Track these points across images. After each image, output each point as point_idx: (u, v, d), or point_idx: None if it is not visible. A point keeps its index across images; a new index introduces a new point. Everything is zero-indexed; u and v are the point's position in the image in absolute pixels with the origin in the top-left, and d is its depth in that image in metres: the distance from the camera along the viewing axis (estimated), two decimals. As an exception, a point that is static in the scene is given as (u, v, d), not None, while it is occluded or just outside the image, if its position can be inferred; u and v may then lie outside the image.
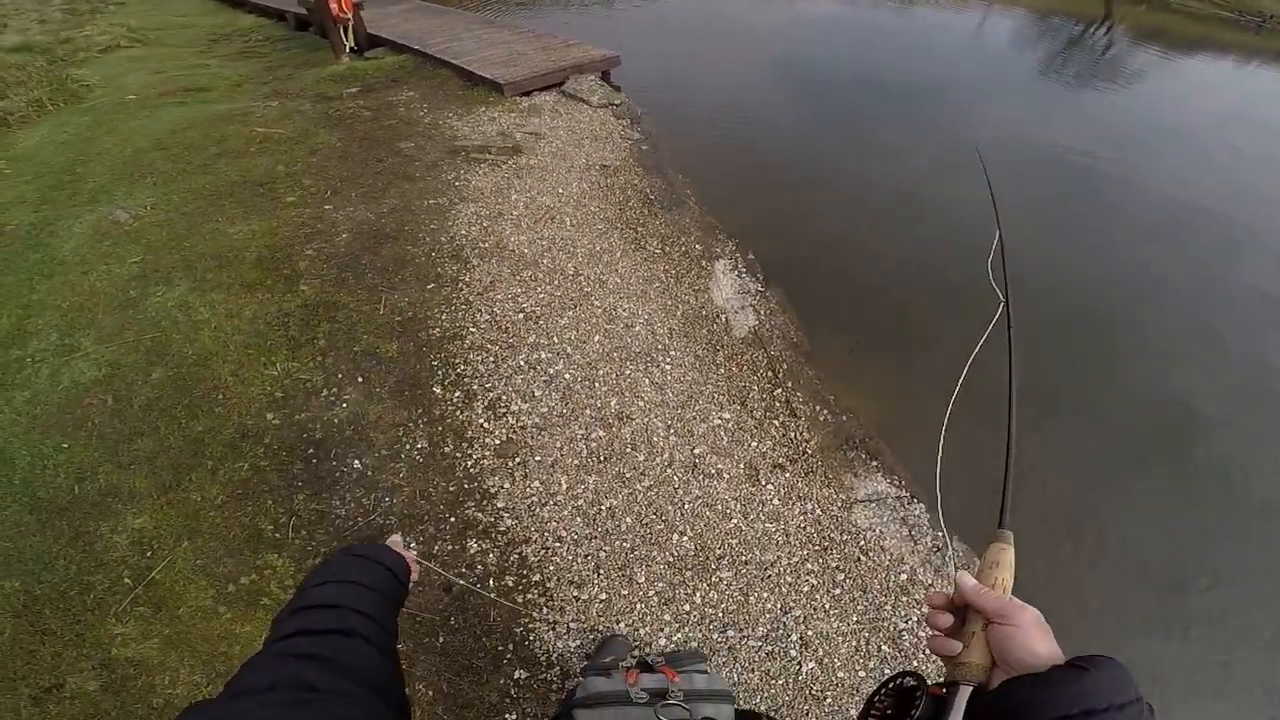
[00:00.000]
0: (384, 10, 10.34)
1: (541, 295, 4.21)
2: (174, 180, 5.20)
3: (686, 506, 2.99)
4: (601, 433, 3.28)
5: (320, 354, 3.53)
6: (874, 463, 3.34)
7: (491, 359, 3.57)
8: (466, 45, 8.23)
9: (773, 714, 2.36)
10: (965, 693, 0.58)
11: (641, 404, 3.47)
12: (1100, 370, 4.27)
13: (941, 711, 0.58)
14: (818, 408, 3.61)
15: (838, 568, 2.83)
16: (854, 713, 2.42)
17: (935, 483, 2.76)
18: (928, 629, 0.71)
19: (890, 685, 0.66)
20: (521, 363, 3.59)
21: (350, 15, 8.14)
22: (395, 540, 1.17)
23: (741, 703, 2.36)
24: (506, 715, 2.31)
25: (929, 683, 0.62)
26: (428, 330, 3.71)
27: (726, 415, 3.48)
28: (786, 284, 4.63)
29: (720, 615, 2.61)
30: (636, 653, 2.46)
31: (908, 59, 11.95)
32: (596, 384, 3.56)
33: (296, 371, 3.43)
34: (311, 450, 3.06)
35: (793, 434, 3.41)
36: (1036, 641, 0.57)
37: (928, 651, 2.54)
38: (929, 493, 3.19)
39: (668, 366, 3.79)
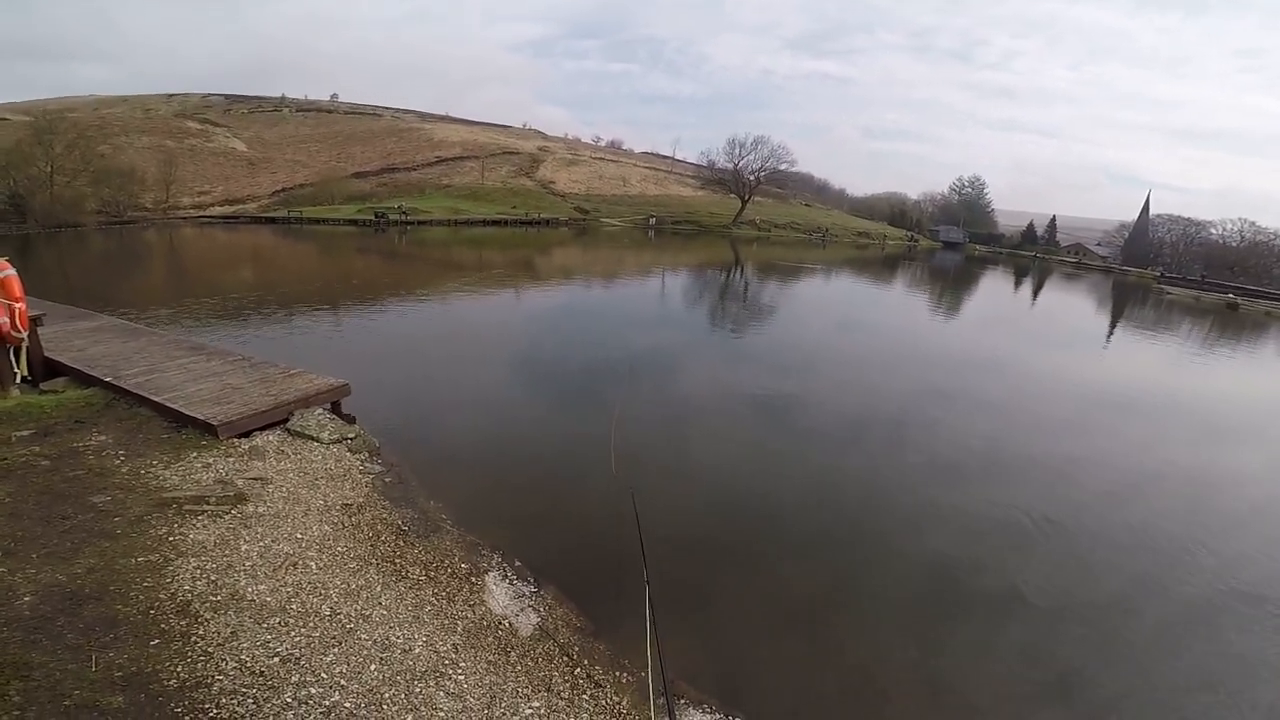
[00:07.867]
0: (68, 328, 8.62)
1: (296, 638, 3.74)
2: None
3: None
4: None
5: (16, 709, 2.75)
6: (681, 700, 3.52)
7: (251, 700, 2.95)
8: (170, 378, 6.92)
9: None
10: None
11: (442, 714, 3.22)
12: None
13: None
14: (618, 673, 3.75)
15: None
16: None
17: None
18: None
19: None
20: (289, 699, 3.04)
21: (25, 335, 6.39)
22: None
23: None
24: None
25: None
26: (161, 682, 2.92)
27: (536, 703, 3.41)
28: (557, 578, 4.93)
29: None
30: None
31: (621, 331, 15.04)
32: (384, 705, 3.21)
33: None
34: None
35: (603, 701, 3.46)
36: None
37: None
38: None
39: (460, 677, 3.61)
